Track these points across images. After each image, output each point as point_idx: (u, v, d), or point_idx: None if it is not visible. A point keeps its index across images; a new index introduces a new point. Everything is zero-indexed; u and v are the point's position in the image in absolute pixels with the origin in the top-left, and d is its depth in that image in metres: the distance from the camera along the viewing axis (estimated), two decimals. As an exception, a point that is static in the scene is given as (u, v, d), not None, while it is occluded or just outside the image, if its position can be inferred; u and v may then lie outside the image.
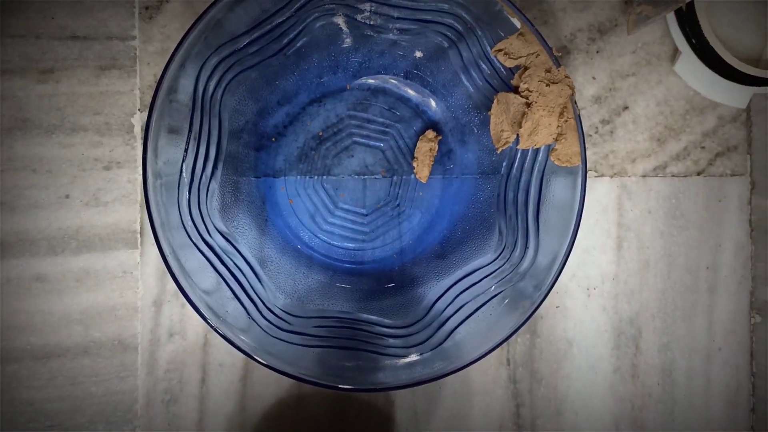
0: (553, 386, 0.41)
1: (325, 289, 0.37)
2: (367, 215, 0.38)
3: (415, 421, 0.39)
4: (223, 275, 0.33)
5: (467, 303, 0.35)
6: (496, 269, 0.36)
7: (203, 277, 0.32)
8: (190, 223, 0.33)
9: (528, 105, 0.33)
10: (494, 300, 0.35)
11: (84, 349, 0.37)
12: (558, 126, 0.33)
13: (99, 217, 0.37)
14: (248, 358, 0.38)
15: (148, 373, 0.37)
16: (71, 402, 0.37)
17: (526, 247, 0.35)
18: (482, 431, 0.40)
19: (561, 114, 0.33)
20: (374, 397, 0.39)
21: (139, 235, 0.37)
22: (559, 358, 0.41)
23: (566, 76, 0.32)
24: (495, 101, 0.35)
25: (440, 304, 0.36)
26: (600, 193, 0.40)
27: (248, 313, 0.33)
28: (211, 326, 0.31)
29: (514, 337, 0.40)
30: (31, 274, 0.36)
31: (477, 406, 0.40)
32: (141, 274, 0.37)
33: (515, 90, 0.34)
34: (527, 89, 0.33)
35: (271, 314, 0.34)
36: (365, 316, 0.36)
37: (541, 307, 0.40)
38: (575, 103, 0.33)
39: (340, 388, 0.32)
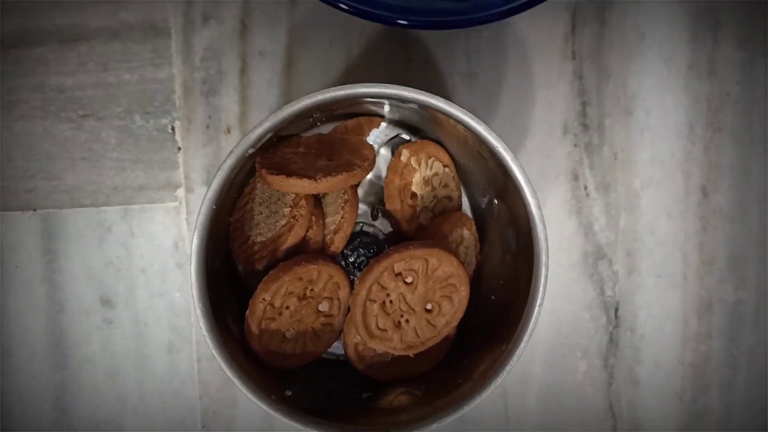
0: (623, 83, 0.37)
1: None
2: None
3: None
4: None
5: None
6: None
7: None
8: None
9: None
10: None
11: (114, 33, 0.34)
12: None
13: None
14: (291, 47, 0.35)
15: (183, 62, 0.34)
16: (104, 90, 0.34)
17: None
18: (545, 130, 0.37)
19: None
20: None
21: None
22: (630, 51, 0.37)
23: None
24: None
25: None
26: None
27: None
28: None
29: (579, 27, 0.37)
30: (50, -57, 0.33)
31: (540, 104, 0.37)
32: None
33: None
34: None
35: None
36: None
37: (610, -9, 0.37)
38: None
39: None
